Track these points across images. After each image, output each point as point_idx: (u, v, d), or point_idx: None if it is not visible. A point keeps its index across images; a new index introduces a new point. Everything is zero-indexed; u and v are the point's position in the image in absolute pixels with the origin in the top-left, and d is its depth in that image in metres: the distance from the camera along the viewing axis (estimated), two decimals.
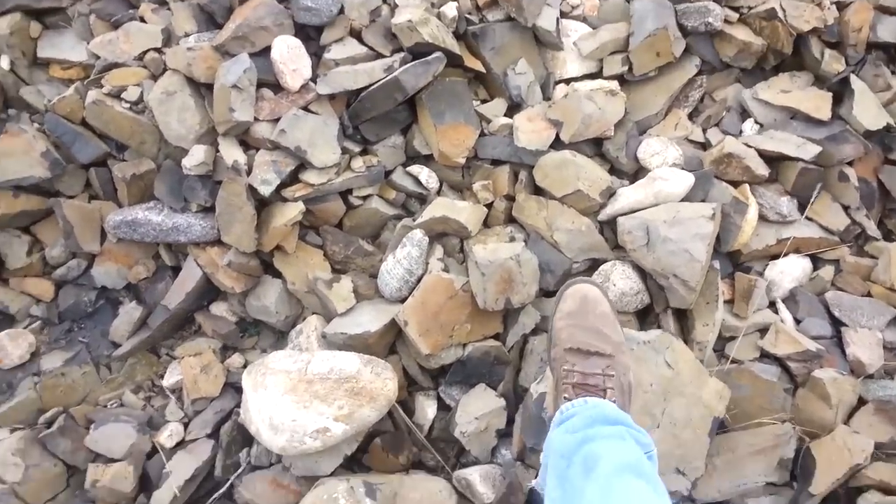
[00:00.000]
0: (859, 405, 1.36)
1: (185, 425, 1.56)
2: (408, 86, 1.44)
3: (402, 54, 1.49)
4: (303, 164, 1.50)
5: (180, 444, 1.53)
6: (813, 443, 1.30)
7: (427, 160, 1.58)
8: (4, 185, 1.53)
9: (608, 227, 1.50)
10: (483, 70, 1.56)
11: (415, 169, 1.55)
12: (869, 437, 1.27)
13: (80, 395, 1.60)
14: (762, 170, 1.48)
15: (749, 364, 1.37)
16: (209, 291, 1.62)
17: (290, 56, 1.46)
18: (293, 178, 1.51)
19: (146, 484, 1.49)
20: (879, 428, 1.31)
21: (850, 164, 1.52)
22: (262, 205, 1.51)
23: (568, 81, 1.60)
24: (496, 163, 1.57)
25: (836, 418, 1.31)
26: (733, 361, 1.38)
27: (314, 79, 1.49)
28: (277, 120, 1.47)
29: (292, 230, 1.51)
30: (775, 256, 1.49)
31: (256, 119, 1.48)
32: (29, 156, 1.52)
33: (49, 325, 1.65)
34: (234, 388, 1.59)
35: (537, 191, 1.54)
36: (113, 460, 1.49)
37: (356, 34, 1.53)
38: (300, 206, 1.46)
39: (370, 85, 1.45)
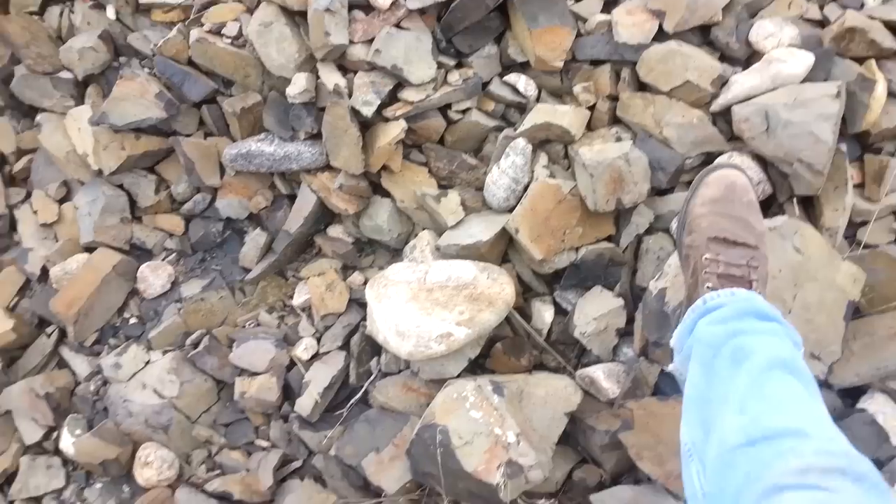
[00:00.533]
0: None
1: (318, 340, 1.70)
2: None
3: None
4: (400, 83, 1.52)
5: (315, 357, 1.67)
6: None
7: (523, 67, 1.56)
8: (126, 128, 1.64)
9: (721, 119, 1.44)
10: None
11: (512, 77, 1.53)
12: None
13: (219, 317, 1.76)
14: (889, 42, 1.37)
15: (885, 247, 1.32)
16: (325, 215, 1.71)
17: None
18: (392, 98, 1.54)
19: (289, 393, 1.65)
20: None
21: None
22: (365, 127, 1.55)
23: None
24: (596, 63, 1.53)
25: None
26: (866, 246, 1.34)
27: None
28: (372, 41, 1.49)
29: (396, 149, 1.55)
30: None
31: (351, 41, 1.50)
32: (145, 98, 1.62)
33: (184, 257, 1.81)
34: (357, 303, 1.70)
35: (641, 87, 1.49)
36: (256, 374, 1.65)
37: None
38: (402, 124, 1.50)
39: None
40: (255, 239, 1.73)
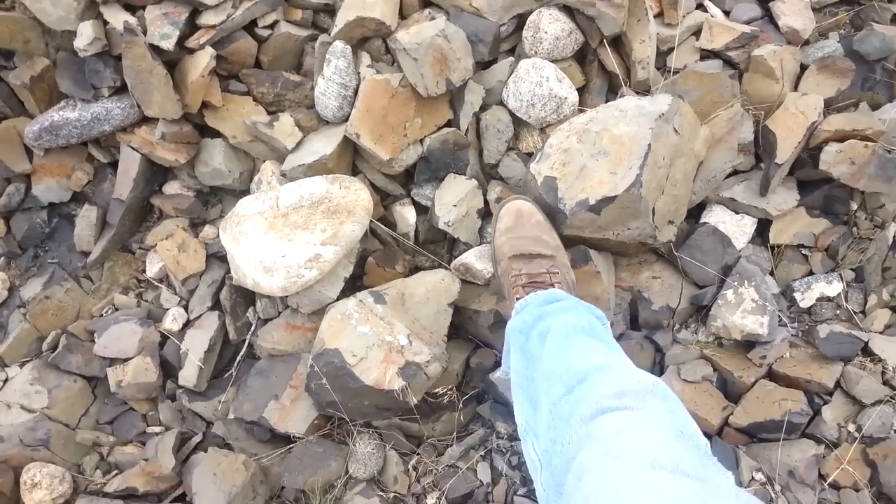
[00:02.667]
0: (802, 73, 1.48)
1: (185, 307, 1.67)
2: None
3: None
4: (196, 9, 1.49)
5: (187, 325, 1.64)
6: (768, 119, 1.43)
7: None
8: None
9: None
10: None
11: None
12: (817, 95, 1.40)
13: (71, 312, 1.70)
14: None
15: (692, 66, 1.47)
16: (156, 174, 1.67)
17: None
18: (192, 28, 1.50)
19: (169, 370, 1.62)
20: (826, 85, 1.43)
21: None
22: (171, 66, 1.51)
23: None
24: None
25: (784, 89, 1.43)
26: (675, 72, 1.48)
27: None
28: None
29: (212, 81, 1.53)
30: None
31: None
32: None
33: (14, 258, 1.72)
34: (216, 258, 1.68)
35: None
36: (128, 359, 1.61)
37: None
38: (209, 50, 1.47)
39: None
40: (86, 217, 1.66)
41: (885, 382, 1.32)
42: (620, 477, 0.73)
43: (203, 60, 1.47)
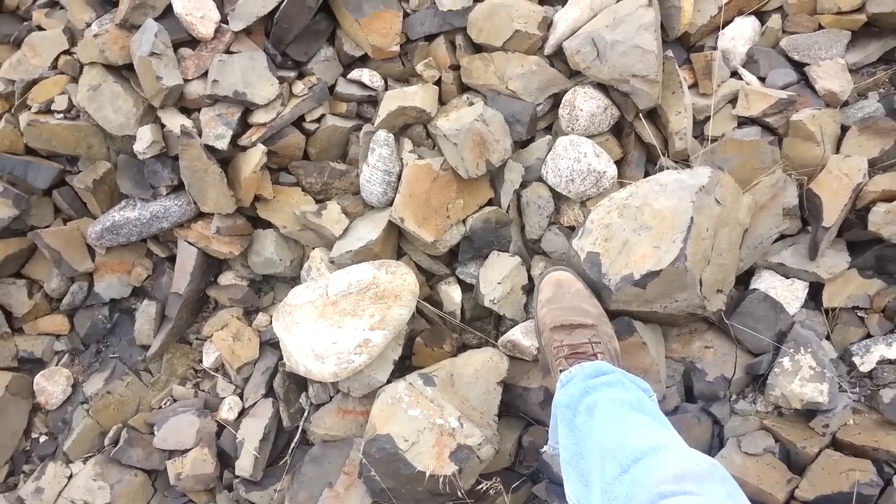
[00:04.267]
0: (843, 134, 1.54)
1: (240, 395, 1.78)
2: None
3: None
4: (248, 108, 1.65)
5: (242, 413, 1.74)
6: (812, 182, 1.49)
7: (363, 61, 1.72)
8: None
9: (557, 59, 1.65)
10: None
11: (355, 74, 1.70)
12: (860, 156, 1.46)
13: (132, 405, 1.82)
14: None
15: (729, 134, 1.55)
16: (211, 265, 1.81)
17: (192, 5, 1.58)
18: (244, 126, 1.66)
19: (226, 459, 1.71)
20: (868, 146, 1.48)
21: None
22: (225, 163, 1.66)
23: None
24: (430, 38, 1.69)
25: (826, 152, 1.49)
26: (713, 140, 1.56)
27: (225, 19, 1.63)
28: (206, 73, 1.63)
29: (263, 175, 1.68)
30: (723, 25, 1.64)
31: (186, 80, 1.63)
32: None
33: (77, 354, 1.86)
34: (270, 345, 1.79)
35: (478, 49, 1.68)
36: (186, 451, 1.71)
37: None
38: (260, 147, 1.63)
39: (280, 4, 1.59)
40: (146, 311, 1.80)
41: None
42: None
43: (255, 157, 1.62)
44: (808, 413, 1.38)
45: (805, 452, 1.34)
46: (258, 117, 1.63)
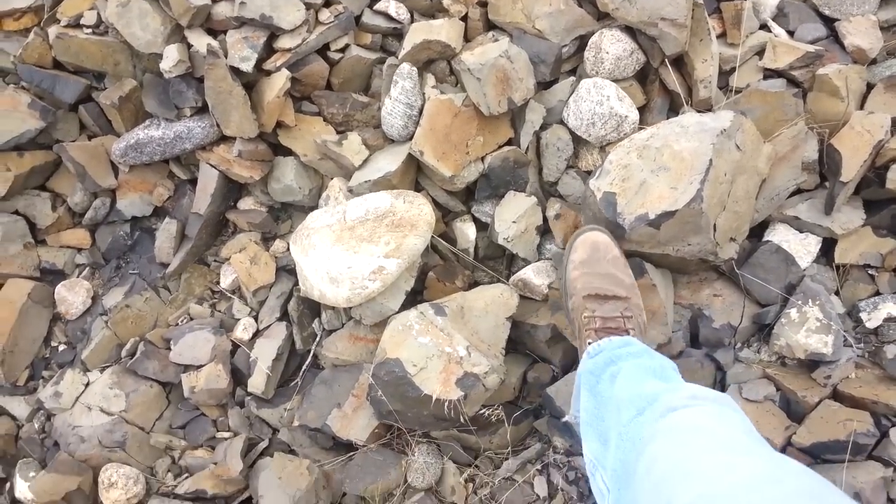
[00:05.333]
0: (869, 91, 1.51)
1: (255, 317, 1.81)
2: None
3: None
4: (273, 33, 1.64)
5: (257, 334, 1.78)
6: (833, 137, 1.47)
7: None
8: (6, 147, 1.72)
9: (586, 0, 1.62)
10: None
11: (381, 5, 1.67)
12: (884, 113, 1.43)
13: (150, 321, 1.86)
14: None
15: (755, 84, 1.52)
16: (231, 189, 1.82)
17: None
18: (269, 50, 1.65)
19: (239, 377, 1.76)
20: (893, 104, 1.46)
21: None
22: (249, 88, 1.66)
23: None
24: None
25: (850, 108, 1.46)
26: (738, 91, 1.54)
27: None
28: None
29: (286, 101, 1.68)
30: None
31: (214, 1, 1.62)
32: (17, 111, 1.70)
33: (98, 268, 1.90)
34: (286, 271, 1.82)
35: None
36: (201, 366, 1.75)
37: None
38: (284, 72, 1.62)
39: None
40: (167, 230, 1.83)
41: None
42: (692, 460, 0.76)
43: (279, 82, 1.61)
44: (811, 364, 1.39)
45: (805, 401, 1.36)
46: (283, 42, 1.62)
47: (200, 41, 1.62)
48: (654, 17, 1.48)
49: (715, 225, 1.33)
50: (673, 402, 0.91)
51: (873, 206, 1.47)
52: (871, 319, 1.40)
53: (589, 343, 1.23)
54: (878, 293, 1.44)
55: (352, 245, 1.55)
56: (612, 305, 1.26)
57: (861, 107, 1.49)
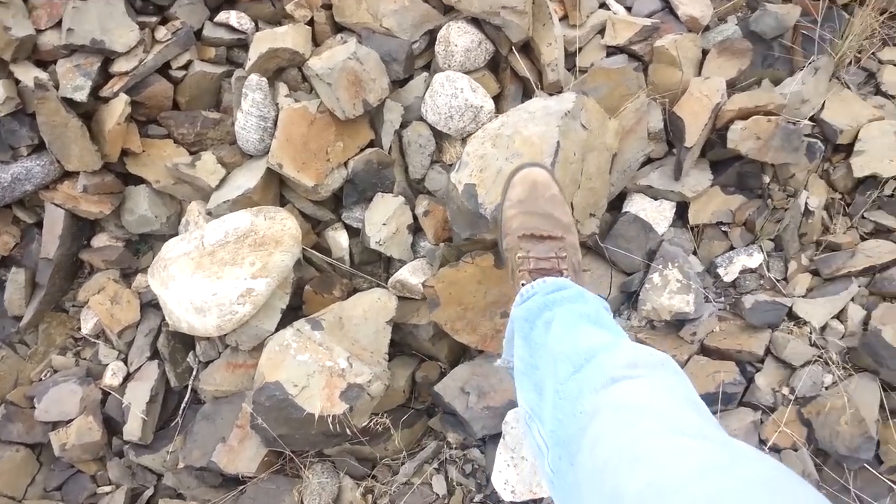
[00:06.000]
0: (705, 58, 1.60)
1: (124, 360, 1.72)
2: None
3: None
4: (107, 58, 1.58)
5: (127, 378, 1.69)
6: (675, 106, 1.54)
7: (231, 3, 1.66)
8: None
9: None
10: None
11: (222, 16, 1.64)
12: (719, 77, 1.52)
13: (9, 381, 1.73)
14: None
15: (598, 63, 1.58)
16: (82, 228, 1.72)
17: None
18: (105, 76, 1.59)
19: (113, 426, 1.66)
20: (727, 67, 1.55)
21: None
22: (88, 118, 1.58)
23: None
24: None
25: (687, 75, 1.55)
26: (583, 71, 1.60)
27: None
28: (60, 22, 1.54)
29: (129, 127, 1.61)
30: None
31: (39, 30, 1.54)
32: None
33: None
34: (151, 306, 1.73)
35: None
36: (70, 421, 1.65)
37: None
38: (123, 97, 1.55)
39: None
40: (15, 280, 1.71)
41: (812, 344, 1.41)
42: (640, 443, 0.72)
43: (118, 108, 1.55)
44: (678, 323, 1.45)
45: (676, 360, 1.40)
46: (119, 66, 1.56)
47: (28, 74, 1.53)
48: (495, 7, 1.52)
49: (572, 204, 1.36)
50: (613, 370, 0.88)
51: (719, 165, 1.56)
52: (728, 273, 1.48)
53: (522, 284, 1.20)
54: (731, 248, 1.52)
55: (214, 271, 1.50)
56: (546, 246, 1.23)
57: (699, 73, 1.57)
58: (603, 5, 1.68)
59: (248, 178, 1.61)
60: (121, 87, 1.56)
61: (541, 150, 1.35)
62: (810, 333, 1.42)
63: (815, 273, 1.51)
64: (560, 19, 1.64)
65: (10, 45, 1.49)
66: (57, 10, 1.54)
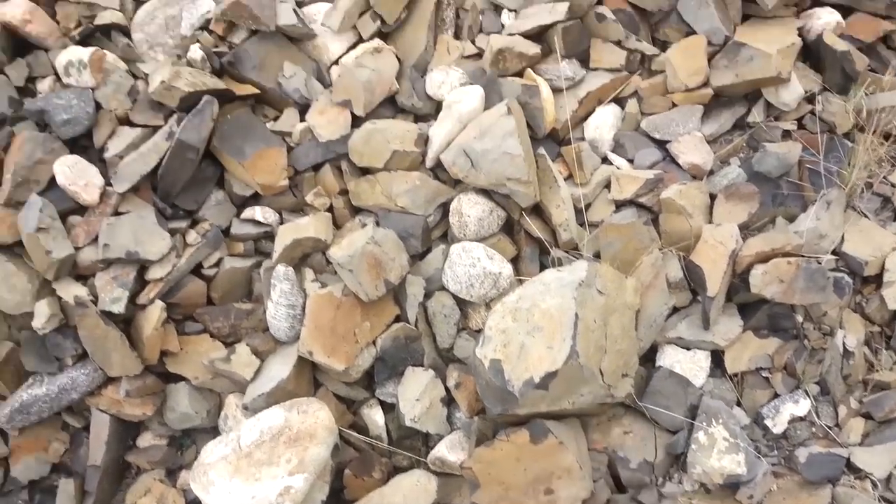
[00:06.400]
0: (713, 201, 1.62)
1: None
2: (194, 141, 1.62)
3: (175, 116, 1.67)
4: (143, 266, 1.68)
5: None
6: (692, 254, 1.55)
7: (256, 198, 1.76)
8: None
9: (440, 170, 1.71)
10: (258, 90, 1.76)
11: (248, 212, 1.73)
12: (730, 223, 1.53)
13: None
14: (532, 49, 1.72)
15: (608, 219, 1.62)
16: (128, 429, 1.77)
17: (75, 174, 1.63)
18: (142, 283, 1.68)
19: None
20: (736, 211, 1.57)
21: (600, 2, 1.77)
22: (127, 323, 1.67)
23: (337, 61, 1.83)
24: (317, 167, 1.76)
25: (699, 223, 1.57)
26: (595, 226, 1.63)
27: (109, 182, 1.66)
28: (97, 238, 1.65)
29: (166, 330, 1.68)
30: (586, 118, 1.75)
31: (78, 248, 1.65)
32: None
33: None
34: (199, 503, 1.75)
35: (364, 172, 1.75)
36: None
37: (125, 121, 1.70)
38: (159, 304, 1.64)
39: (162, 159, 1.63)
40: (65, 491, 1.74)
41: (880, 498, 1.33)
42: None
43: (154, 314, 1.63)
44: (733, 486, 1.39)
45: None
46: (154, 273, 1.66)
47: (69, 291, 1.64)
48: (500, 179, 1.59)
49: (601, 370, 1.36)
50: None
51: (748, 308, 1.54)
52: (777, 425, 1.43)
53: None
54: (776, 395, 1.48)
55: (251, 473, 1.52)
56: None
57: (710, 219, 1.59)
58: (606, 160, 1.73)
59: (281, 367, 1.65)
60: (156, 294, 1.65)
61: (560, 322, 1.37)
62: (874, 488, 1.34)
63: (868, 416, 1.45)
64: (566, 178, 1.69)
65: (52, 266, 1.61)
66: (94, 228, 1.66)
